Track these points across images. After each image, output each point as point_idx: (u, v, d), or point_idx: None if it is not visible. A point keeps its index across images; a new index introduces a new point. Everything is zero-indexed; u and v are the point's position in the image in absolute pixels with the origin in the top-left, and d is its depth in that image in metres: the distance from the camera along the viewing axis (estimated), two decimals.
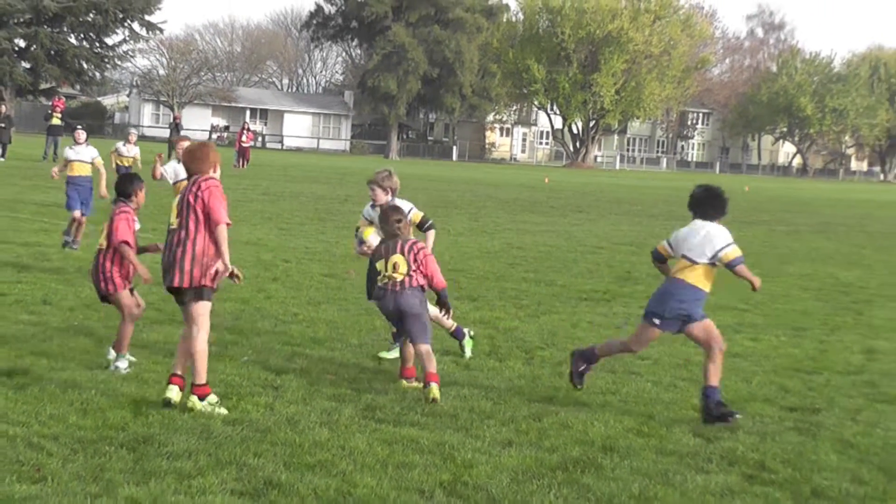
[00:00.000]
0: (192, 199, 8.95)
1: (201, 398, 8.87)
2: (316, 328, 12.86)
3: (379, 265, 10.11)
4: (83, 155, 19.34)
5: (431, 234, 11.76)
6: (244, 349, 11.37)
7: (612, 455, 8.34)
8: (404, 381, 10.27)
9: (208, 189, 8.94)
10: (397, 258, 9.96)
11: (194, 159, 9.19)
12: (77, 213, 18.57)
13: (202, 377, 8.92)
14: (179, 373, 9.03)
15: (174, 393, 8.90)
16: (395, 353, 11.13)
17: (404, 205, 11.39)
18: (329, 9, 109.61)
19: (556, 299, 16.33)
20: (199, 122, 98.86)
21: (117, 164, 24.30)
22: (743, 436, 9.07)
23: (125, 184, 10.65)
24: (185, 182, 9.21)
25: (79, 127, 21.10)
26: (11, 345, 10.83)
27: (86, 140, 19.93)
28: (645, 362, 11.82)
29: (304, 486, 7.19)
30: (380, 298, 10.12)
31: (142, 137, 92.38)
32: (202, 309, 9.00)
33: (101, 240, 10.32)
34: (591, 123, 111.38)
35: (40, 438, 7.85)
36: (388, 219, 10.27)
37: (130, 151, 25.01)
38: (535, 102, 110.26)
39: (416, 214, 11.49)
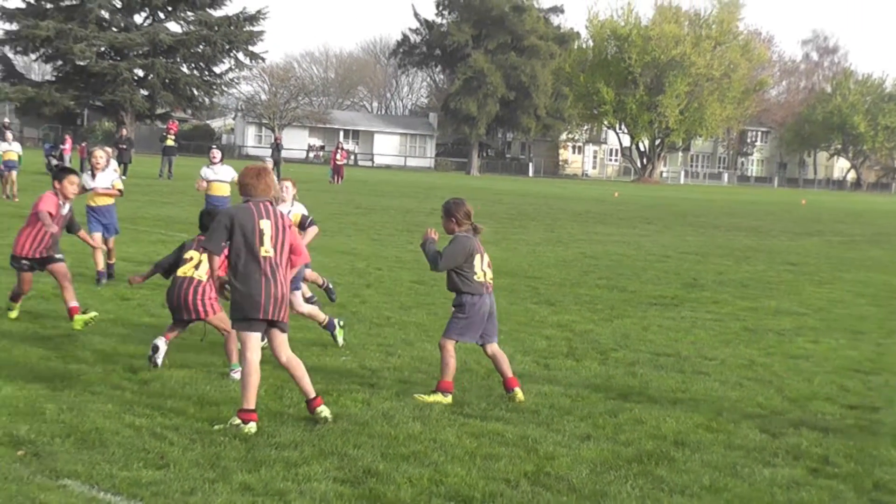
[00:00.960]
0: (284, 228, 8.46)
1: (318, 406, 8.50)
2: (407, 330, 12.88)
3: (477, 264, 9.54)
4: (221, 174, 18.57)
5: (313, 229, 12.06)
6: (343, 350, 11.43)
7: (684, 449, 8.25)
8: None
9: (289, 220, 8.62)
10: (486, 257, 9.74)
11: (262, 183, 8.51)
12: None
13: (250, 403, 8.17)
14: (314, 395, 8.52)
15: (327, 412, 8.50)
16: None
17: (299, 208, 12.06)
18: (415, 38, 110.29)
19: (627, 304, 16.18)
20: (297, 143, 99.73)
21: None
22: (806, 432, 8.92)
23: (206, 218, 10.47)
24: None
25: (213, 147, 19.83)
26: (136, 344, 11.00)
27: (221, 159, 19.09)
28: (712, 363, 11.69)
29: (399, 475, 7.20)
30: (480, 295, 9.60)
31: (245, 156, 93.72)
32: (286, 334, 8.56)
33: (195, 272, 10.20)
34: (657, 141, 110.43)
35: (163, 429, 7.96)
36: (460, 212, 9.73)
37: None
38: (605, 122, 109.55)
39: (296, 215, 11.82)
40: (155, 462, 7.20)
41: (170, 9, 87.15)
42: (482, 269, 9.57)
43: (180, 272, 10.23)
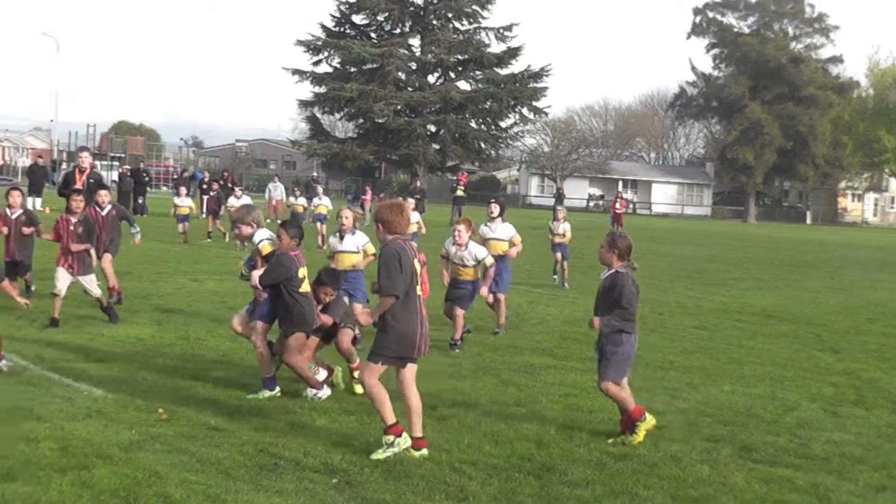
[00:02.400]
0: (421, 265, 8.41)
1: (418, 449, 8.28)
2: (691, 374, 12.58)
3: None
4: (499, 233, 16.06)
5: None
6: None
7: None
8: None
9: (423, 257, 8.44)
10: None
11: (405, 219, 8.37)
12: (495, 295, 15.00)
13: (391, 418, 8.24)
14: (420, 435, 8.32)
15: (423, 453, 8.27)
16: None
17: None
18: (691, 91, 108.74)
19: None
20: (578, 192, 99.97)
21: None
22: None
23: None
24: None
25: (492, 201, 17.30)
26: (431, 381, 11.22)
27: (500, 214, 16.36)
28: None
29: None
30: (635, 333, 9.19)
31: (529, 205, 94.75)
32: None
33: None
34: None
35: (461, 464, 8.05)
36: (623, 244, 9.22)
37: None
38: (886, 170, 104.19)
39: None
40: (455, 495, 7.29)
41: (460, 69, 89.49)
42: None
43: (304, 289, 10.14)
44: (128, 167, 53.41)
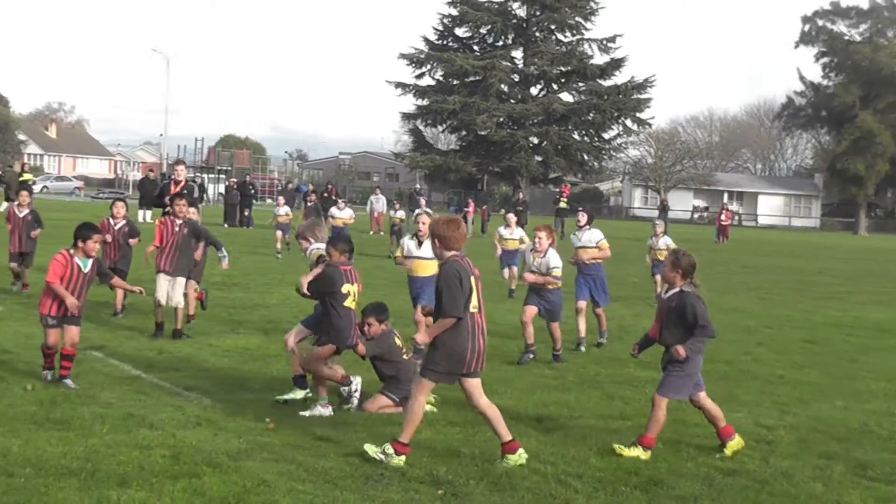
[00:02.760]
0: (478, 279, 8.34)
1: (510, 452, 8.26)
2: (801, 389, 12.30)
3: None
4: (585, 240, 15.56)
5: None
6: (735, 405, 11.04)
7: None
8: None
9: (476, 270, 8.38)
10: None
11: (460, 234, 8.31)
12: (581, 304, 15.00)
13: (408, 438, 8.21)
14: (510, 438, 8.30)
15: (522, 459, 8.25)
16: None
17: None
18: (800, 100, 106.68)
19: None
20: (682, 204, 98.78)
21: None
22: None
23: None
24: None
25: (580, 209, 16.80)
26: (538, 395, 11.19)
27: (588, 222, 15.80)
28: None
29: None
30: (701, 352, 8.97)
31: (632, 217, 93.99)
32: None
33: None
34: None
35: (566, 476, 8.00)
36: (686, 262, 8.99)
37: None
38: None
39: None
40: None
41: (563, 80, 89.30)
42: None
43: (349, 304, 10.13)
44: (234, 180, 54.38)
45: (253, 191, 49.76)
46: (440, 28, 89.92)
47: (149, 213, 44.67)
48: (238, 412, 9.60)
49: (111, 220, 16.26)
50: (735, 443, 8.95)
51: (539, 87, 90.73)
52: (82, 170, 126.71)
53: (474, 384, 8.31)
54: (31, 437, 8.27)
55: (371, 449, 8.16)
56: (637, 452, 8.65)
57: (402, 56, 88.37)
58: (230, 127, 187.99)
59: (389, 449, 8.11)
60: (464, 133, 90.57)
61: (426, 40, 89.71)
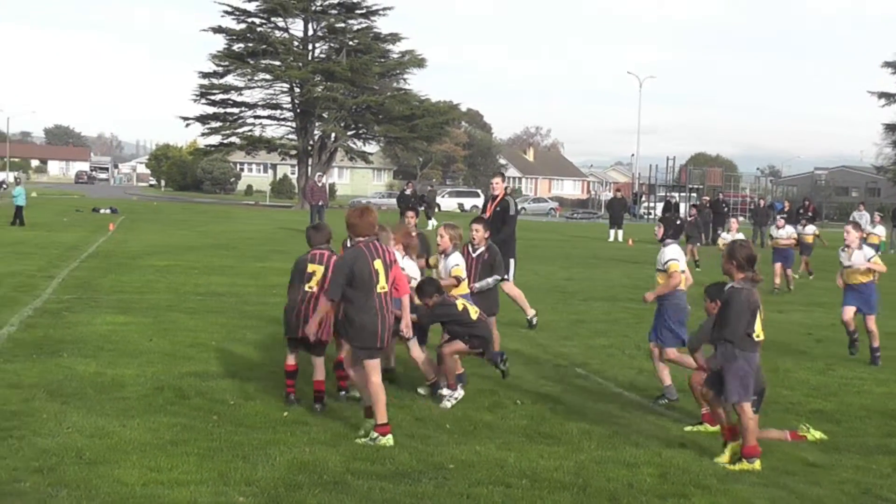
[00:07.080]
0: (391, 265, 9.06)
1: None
2: None
3: (757, 321, 8.43)
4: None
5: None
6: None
7: None
8: None
9: (394, 256, 9.25)
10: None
11: (365, 221, 8.92)
12: (849, 314, 14.35)
13: (384, 418, 8.75)
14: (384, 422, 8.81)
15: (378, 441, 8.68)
16: None
17: None
18: None
19: None
20: None
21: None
22: None
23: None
24: None
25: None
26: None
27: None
28: None
29: None
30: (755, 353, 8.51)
31: None
32: None
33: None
34: None
35: None
36: (743, 255, 8.61)
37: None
38: None
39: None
40: None
41: None
42: (760, 327, 8.51)
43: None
44: (706, 198, 54.20)
45: (726, 208, 49.22)
46: None
47: (620, 233, 45.59)
48: (713, 437, 9.41)
49: None
50: (735, 445, 8.56)
51: None
52: (557, 191, 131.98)
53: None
54: (525, 450, 8.69)
55: (369, 438, 8.66)
56: (743, 466, 8.35)
57: (887, 64, 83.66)
58: (701, 145, 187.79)
59: (375, 434, 8.63)
60: None
61: None
